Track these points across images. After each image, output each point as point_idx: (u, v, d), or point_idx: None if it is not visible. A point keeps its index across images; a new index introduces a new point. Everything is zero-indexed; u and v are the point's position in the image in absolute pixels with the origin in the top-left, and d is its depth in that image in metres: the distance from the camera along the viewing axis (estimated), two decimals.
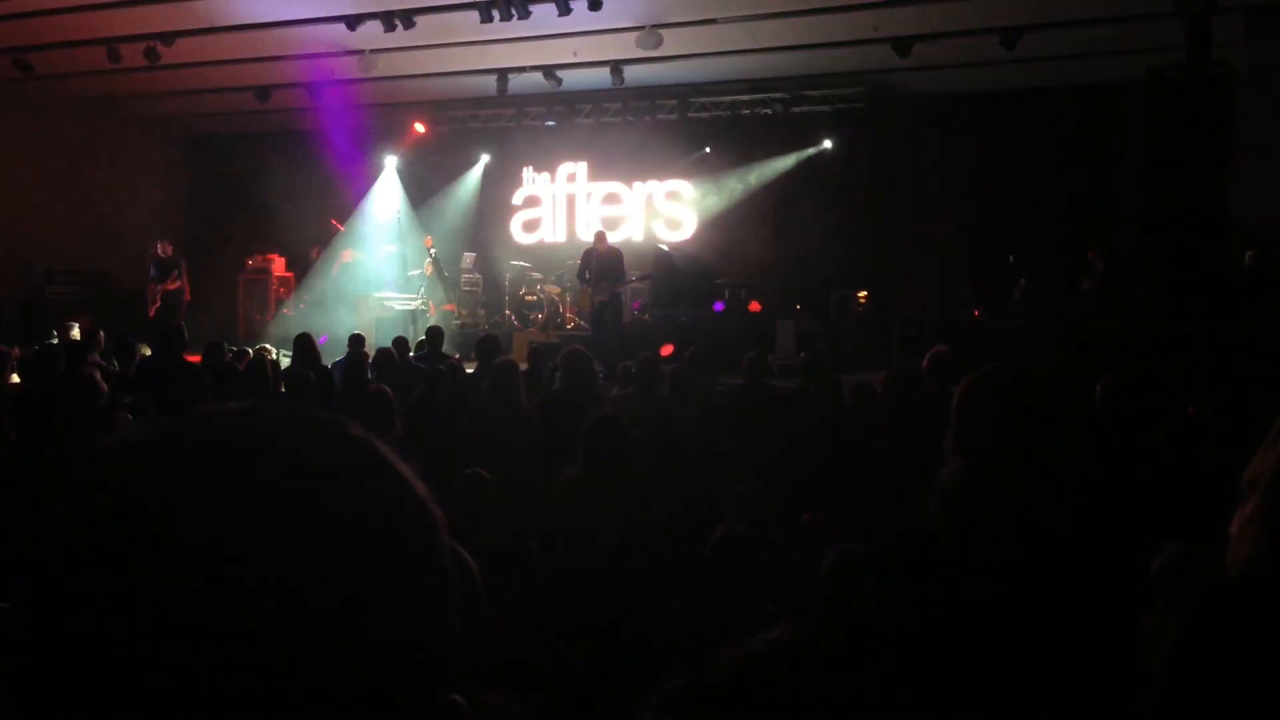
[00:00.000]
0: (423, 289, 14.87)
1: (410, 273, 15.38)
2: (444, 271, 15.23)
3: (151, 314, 14.05)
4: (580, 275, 13.35)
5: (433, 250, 15.05)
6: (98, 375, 6.04)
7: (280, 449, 0.63)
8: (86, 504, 0.60)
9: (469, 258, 16.19)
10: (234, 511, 0.58)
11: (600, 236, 13.37)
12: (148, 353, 8.88)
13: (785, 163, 15.36)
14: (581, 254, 13.51)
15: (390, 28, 12.38)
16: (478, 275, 16.00)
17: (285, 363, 9.36)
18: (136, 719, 0.55)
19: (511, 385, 6.25)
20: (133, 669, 0.55)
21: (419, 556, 0.64)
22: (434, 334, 9.67)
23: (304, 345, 8.52)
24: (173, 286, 14.48)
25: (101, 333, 9.45)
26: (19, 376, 7.52)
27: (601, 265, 12.86)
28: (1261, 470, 1.89)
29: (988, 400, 2.17)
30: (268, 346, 10.20)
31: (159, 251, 14.68)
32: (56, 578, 0.58)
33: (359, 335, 9.34)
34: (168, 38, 13.19)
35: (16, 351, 8.51)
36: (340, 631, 0.58)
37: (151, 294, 14.51)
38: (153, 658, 0.55)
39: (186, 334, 8.02)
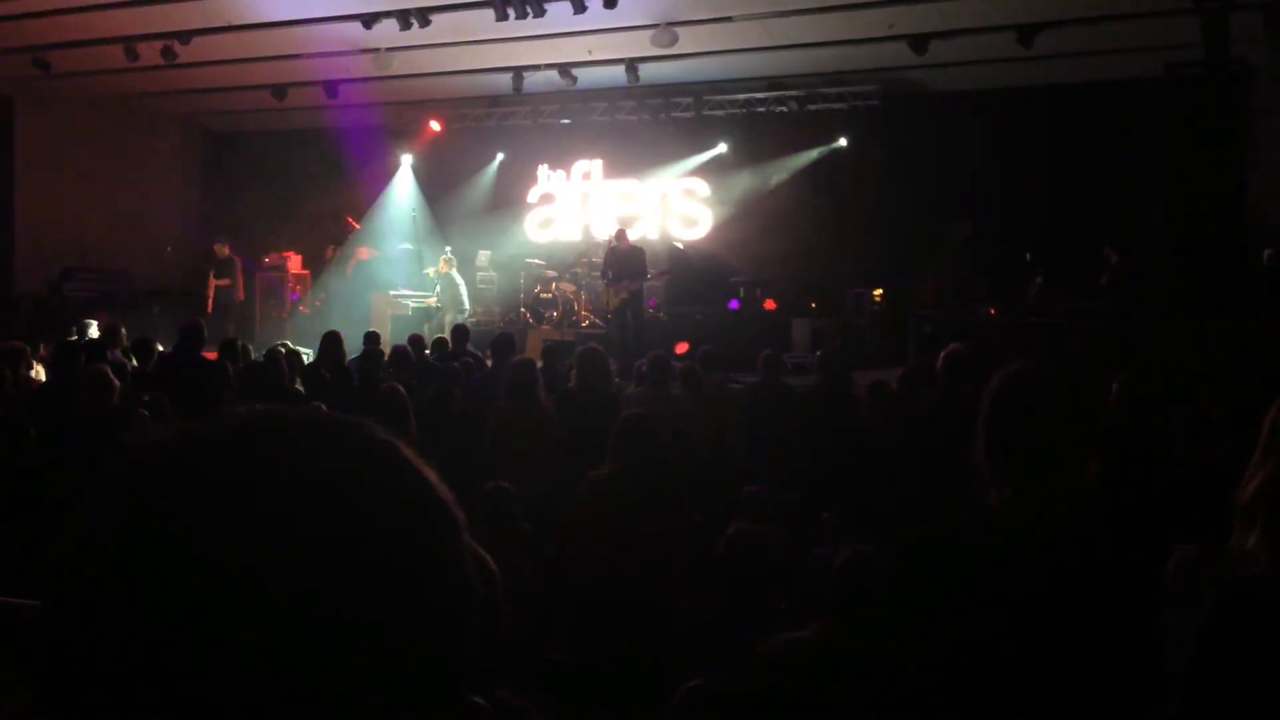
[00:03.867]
0: (437, 287, 14.88)
1: (425, 271, 15.38)
2: (459, 281, 15.03)
3: (209, 310, 14.38)
4: (603, 274, 13.33)
5: (448, 266, 14.97)
6: (109, 371, 6.08)
7: (303, 452, 0.63)
8: (109, 507, 0.61)
9: (484, 255, 16.19)
10: (256, 515, 0.59)
11: (621, 234, 13.33)
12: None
13: (801, 160, 15.32)
14: (603, 252, 13.47)
15: (406, 26, 12.40)
16: (493, 273, 16.00)
17: (307, 358, 9.35)
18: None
19: (529, 384, 6.24)
20: (153, 672, 0.55)
21: (442, 559, 0.65)
22: (458, 333, 9.73)
23: (331, 343, 8.50)
24: (222, 284, 14.70)
25: (123, 329, 9.48)
26: (43, 372, 7.56)
27: (623, 263, 12.85)
28: (1257, 492, 1.89)
29: (1020, 416, 2.14)
30: (286, 343, 10.21)
31: (216, 252, 15.04)
32: (80, 581, 0.59)
33: (374, 332, 9.36)
34: (184, 36, 13.25)
35: (43, 351, 8.57)
36: (362, 634, 0.58)
37: (209, 291, 14.91)
38: (173, 661, 0.55)
39: (205, 331, 8.07)
